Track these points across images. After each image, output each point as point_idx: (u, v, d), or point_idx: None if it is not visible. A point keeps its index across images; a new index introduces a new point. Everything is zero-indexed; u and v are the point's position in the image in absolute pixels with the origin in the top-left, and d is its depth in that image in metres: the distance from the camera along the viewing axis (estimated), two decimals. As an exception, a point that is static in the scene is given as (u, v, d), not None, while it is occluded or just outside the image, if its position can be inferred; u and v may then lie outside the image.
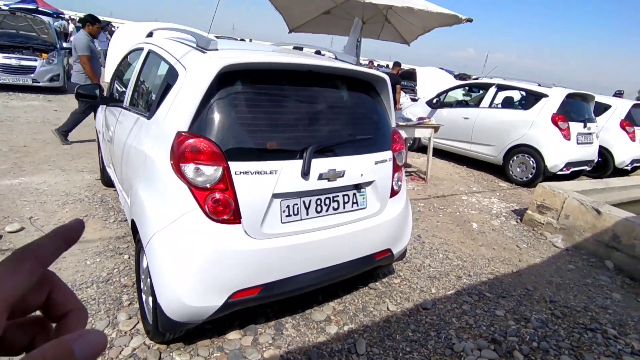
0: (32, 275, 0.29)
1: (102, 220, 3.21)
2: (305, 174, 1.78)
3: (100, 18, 5.78)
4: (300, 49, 2.91)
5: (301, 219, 1.85)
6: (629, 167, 7.05)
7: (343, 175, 1.93)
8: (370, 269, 2.62)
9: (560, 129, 5.62)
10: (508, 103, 6.63)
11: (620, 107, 7.15)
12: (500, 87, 6.52)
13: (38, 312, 0.34)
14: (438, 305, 2.60)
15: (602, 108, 7.22)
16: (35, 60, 8.12)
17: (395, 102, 8.08)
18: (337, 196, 1.98)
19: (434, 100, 7.14)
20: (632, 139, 6.98)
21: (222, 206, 1.63)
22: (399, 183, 2.33)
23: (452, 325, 2.40)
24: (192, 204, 1.61)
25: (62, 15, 22.06)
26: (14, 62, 7.87)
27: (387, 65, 25.89)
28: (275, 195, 1.74)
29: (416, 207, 4.43)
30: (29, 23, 8.87)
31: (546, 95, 5.83)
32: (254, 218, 1.70)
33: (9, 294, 0.27)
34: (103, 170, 3.69)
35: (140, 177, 1.87)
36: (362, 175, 2.02)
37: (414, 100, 9.31)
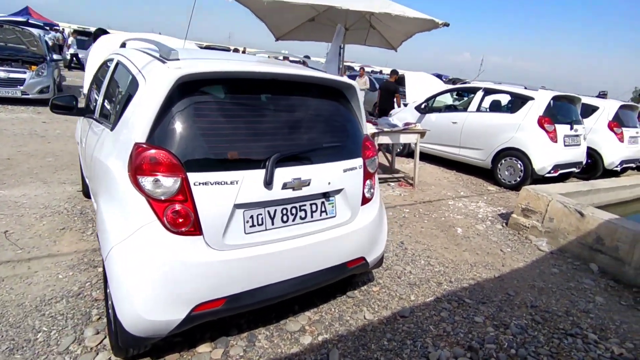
0: None
1: (80, 232, 3.17)
2: (268, 183, 1.76)
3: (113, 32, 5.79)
4: (287, 58, 2.91)
5: (266, 229, 1.83)
6: (618, 168, 7.06)
7: (309, 184, 1.91)
8: (347, 277, 2.60)
9: (546, 131, 5.63)
10: (495, 107, 6.65)
11: (608, 109, 7.19)
12: (488, 91, 6.54)
13: None
14: (416, 312, 2.56)
15: (589, 110, 7.26)
16: (25, 72, 8.12)
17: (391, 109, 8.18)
18: (304, 205, 1.96)
19: (423, 106, 7.15)
20: (621, 139, 7.01)
21: (181, 218, 1.60)
22: (372, 190, 2.31)
23: (429, 333, 2.37)
24: (150, 216, 1.58)
25: (57, 28, 22.14)
26: (2, 74, 7.87)
27: (381, 71, 26.01)
28: (237, 206, 1.71)
29: (401, 213, 4.41)
30: (18, 36, 8.88)
31: (532, 98, 5.85)
32: (215, 229, 1.67)
33: None
34: (83, 181, 3.66)
35: (102, 189, 1.85)
36: (329, 183, 2.00)
37: (404, 105, 9.34)
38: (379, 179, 5.52)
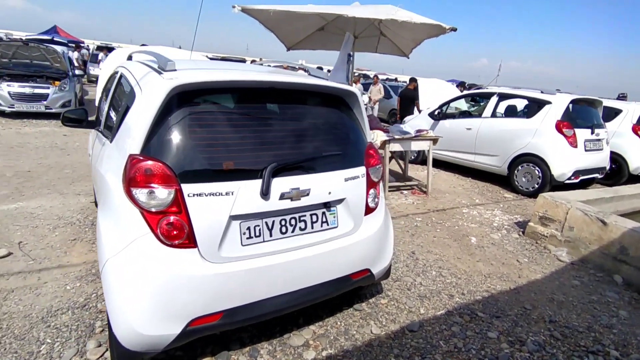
0: None
1: (90, 243, 3.21)
2: (265, 194, 1.72)
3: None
4: (303, 68, 2.89)
5: (264, 241, 1.79)
6: (645, 174, 6.73)
7: (308, 194, 1.86)
8: (353, 290, 2.52)
9: (565, 136, 5.42)
10: (511, 112, 6.47)
11: (632, 111, 6.89)
12: (502, 96, 6.38)
13: None
14: (426, 327, 2.46)
15: (612, 113, 6.98)
16: (48, 87, 8.45)
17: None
18: (304, 216, 1.91)
19: (436, 112, 7.03)
20: (647, 143, 6.69)
21: (175, 230, 1.58)
22: (376, 200, 2.24)
23: (439, 349, 2.26)
24: (143, 229, 1.56)
25: (83, 45, 23.05)
26: (27, 90, 8.21)
27: (396, 79, 25.91)
28: (233, 217, 1.68)
29: (414, 222, 4.30)
30: (42, 53, 9.27)
31: (549, 102, 5.66)
32: (210, 241, 1.64)
33: None
34: (95, 193, 3.72)
35: (101, 201, 1.85)
36: (330, 193, 1.95)
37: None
38: (392, 186, 5.44)
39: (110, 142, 1.95)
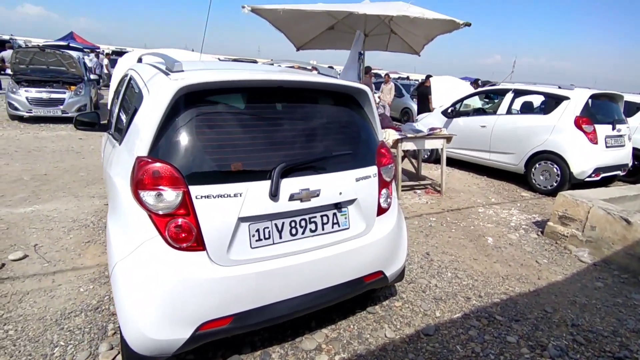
0: None
1: (103, 245, 3.23)
2: (274, 195, 1.68)
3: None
4: (316, 68, 2.86)
5: (273, 243, 1.75)
6: (670, 170, 6.46)
7: (318, 195, 1.82)
8: (366, 292, 2.46)
9: (585, 132, 5.24)
10: (527, 108, 6.31)
11: (656, 106, 6.63)
12: (518, 93, 6.21)
13: None
14: (442, 330, 2.39)
15: (634, 108, 6.73)
16: (64, 92, 8.64)
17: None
18: (315, 217, 1.86)
19: (449, 110, 6.90)
20: (672, 139, 6.42)
21: (183, 233, 1.56)
22: (388, 200, 2.18)
23: (456, 353, 2.19)
24: (151, 232, 1.54)
25: (98, 50, 23.53)
26: (44, 95, 8.40)
27: (408, 77, 25.69)
28: (241, 219, 1.65)
29: (428, 222, 4.22)
30: (58, 58, 9.47)
31: (567, 98, 5.49)
32: (219, 244, 1.61)
33: None
34: (109, 195, 3.76)
35: (110, 204, 1.85)
36: (341, 193, 1.90)
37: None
38: (405, 186, 5.35)
39: (120, 144, 1.94)
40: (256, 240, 1.70)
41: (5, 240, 3.17)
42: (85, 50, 16.84)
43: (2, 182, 4.56)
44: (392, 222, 2.20)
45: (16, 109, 8.10)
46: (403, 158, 5.36)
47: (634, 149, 6.07)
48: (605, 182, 5.82)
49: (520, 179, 6.00)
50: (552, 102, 5.77)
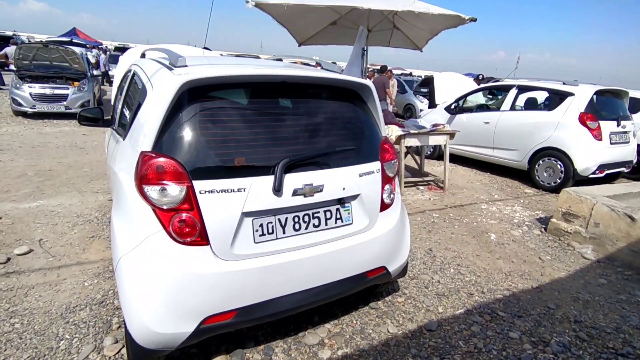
0: None
1: (107, 240, 3.25)
2: (277, 190, 1.69)
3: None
4: (320, 64, 2.84)
5: (277, 238, 1.75)
6: (675, 167, 6.41)
7: (322, 190, 1.82)
8: (369, 288, 2.47)
9: (589, 128, 5.21)
10: (531, 104, 6.26)
11: (661, 102, 6.58)
12: (522, 89, 6.17)
13: None
14: (444, 326, 2.39)
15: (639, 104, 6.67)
16: (67, 88, 8.65)
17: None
18: (318, 212, 1.87)
19: (453, 106, 6.87)
20: (677, 135, 6.37)
21: (187, 227, 1.56)
22: (391, 196, 2.18)
23: (459, 349, 2.19)
24: (156, 226, 1.55)
25: (101, 46, 23.55)
26: (48, 91, 8.42)
27: (411, 73, 25.58)
28: (245, 214, 1.65)
29: (430, 218, 4.21)
30: (61, 54, 9.48)
31: (572, 94, 5.45)
32: (223, 239, 1.62)
33: None
34: (113, 191, 3.77)
35: (115, 199, 1.85)
36: (344, 189, 1.90)
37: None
38: (408, 182, 5.34)
39: (123, 139, 1.95)
40: (260, 235, 1.71)
41: (10, 235, 3.20)
42: (87, 46, 16.85)
43: (6, 177, 4.59)
44: (395, 217, 2.20)
45: (20, 104, 8.12)
46: (406, 154, 5.35)
47: (639, 145, 6.02)
48: (609, 179, 5.79)
49: (524, 175, 5.98)
50: (556, 98, 5.73)
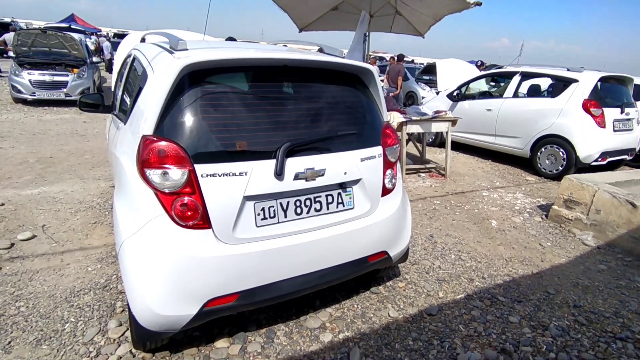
0: None
1: (109, 226, 3.27)
2: (279, 174, 1.68)
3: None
4: (322, 50, 2.80)
5: (279, 222, 1.76)
6: (678, 155, 6.38)
7: (323, 174, 1.82)
8: (370, 272, 2.49)
9: (593, 115, 5.17)
10: (534, 91, 6.20)
11: (666, 89, 6.50)
12: (525, 75, 6.11)
13: None
14: (445, 310, 2.41)
15: (644, 91, 6.60)
16: (67, 75, 8.58)
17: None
18: (319, 196, 1.87)
19: (455, 93, 6.81)
20: (681, 123, 6.32)
21: (189, 211, 1.57)
22: (393, 180, 2.18)
23: (459, 333, 2.22)
24: (158, 210, 1.55)
25: (99, 33, 23.30)
26: (47, 78, 8.36)
27: (413, 61, 25.28)
28: (247, 198, 1.65)
29: (432, 205, 4.22)
30: (60, 40, 9.38)
31: (576, 81, 5.39)
32: (225, 222, 1.62)
33: None
34: (114, 177, 3.78)
35: (117, 184, 1.85)
36: (345, 173, 1.90)
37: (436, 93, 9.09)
38: (409, 169, 5.34)
39: (124, 124, 1.94)
40: (261, 219, 1.71)
41: (13, 221, 3.22)
42: (86, 32, 16.67)
43: (8, 164, 4.59)
44: (397, 202, 2.20)
45: (19, 91, 8.07)
46: (407, 141, 5.33)
47: (642, 133, 5.98)
48: (611, 167, 5.77)
49: (526, 163, 5.96)
50: (560, 85, 5.67)
